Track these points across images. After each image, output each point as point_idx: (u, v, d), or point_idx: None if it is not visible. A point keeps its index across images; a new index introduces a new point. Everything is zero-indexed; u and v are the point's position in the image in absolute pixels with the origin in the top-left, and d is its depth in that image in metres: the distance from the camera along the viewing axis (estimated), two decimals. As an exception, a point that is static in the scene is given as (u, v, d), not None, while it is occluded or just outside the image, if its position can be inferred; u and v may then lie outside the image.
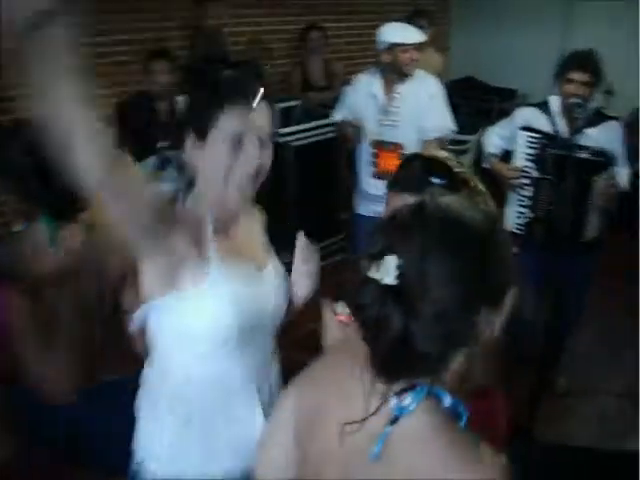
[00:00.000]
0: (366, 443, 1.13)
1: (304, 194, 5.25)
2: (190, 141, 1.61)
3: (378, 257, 1.07)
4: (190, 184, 1.67)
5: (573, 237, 3.52)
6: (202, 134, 1.58)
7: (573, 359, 4.22)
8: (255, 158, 1.60)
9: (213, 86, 1.59)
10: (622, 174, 3.65)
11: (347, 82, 5.02)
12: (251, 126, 1.59)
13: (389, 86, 4.14)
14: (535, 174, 3.61)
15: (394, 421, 1.12)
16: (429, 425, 1.12)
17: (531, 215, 3.67)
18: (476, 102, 7.07)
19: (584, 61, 3.54)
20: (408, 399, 1.12)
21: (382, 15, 7.40)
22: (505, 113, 4.24)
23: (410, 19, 5.93)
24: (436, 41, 6.26)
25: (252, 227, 1.89)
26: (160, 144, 3.77)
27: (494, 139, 3.91)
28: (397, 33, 4.00)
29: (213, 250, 1.64)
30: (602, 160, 3.47)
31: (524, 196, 3.71)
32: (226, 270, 1.64)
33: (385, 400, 1.13)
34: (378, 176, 4.13)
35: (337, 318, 1.76)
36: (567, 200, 3.45)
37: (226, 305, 1.62)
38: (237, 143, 1.58)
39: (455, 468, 1.08)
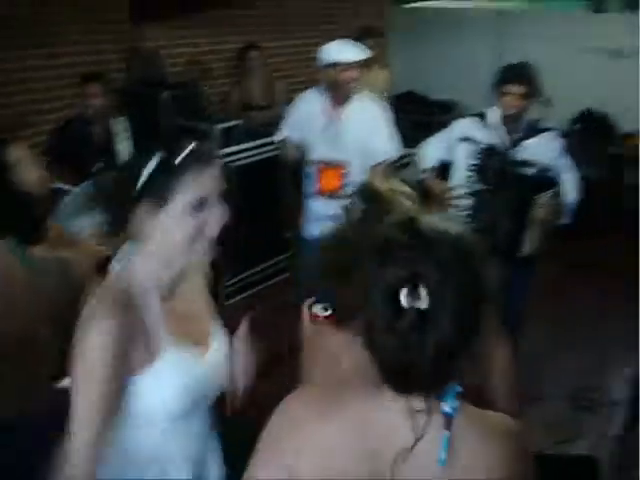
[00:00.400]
0: (422, 460, 1.19)
1: (248, 214, 5.19)
2: (144, 209, 1.55)
3: (404, 285, 1.14)
4: (117, 218, 1.62)
5: (511, 250, 3.53)
6: (160, 202, 1.54)
7: (518, 366, 4.22)
8: (219, 221, 1.59)
9: (171, 153, 1.55)
10: (569, 184, 3.68)
11: (288, 101, 5.02)
12: (211, 188, 1.56)
13: (333, 105, 4.11)
14: (476, 185, 3.61)
15: (449, 424, 1.19)
16: (468, 421, 1.23)
17: (470, 226, 3.66)
18: (416, 116, 7.11)
19: (519, 74, 3.58)
20: (447, 403, 1.20)
21: (323, 32, 7.44)
22: (445, 126, 4.26)
23: (359, 37, 5.96)
24: (382, 58, 6.28)
25: (197, 285, 1.83)
26: (95, 168, 3.69)
27: (431, 152, 3.91)
28: (338, 51, 3.96)
29: (162, 331, 1.60)
30: (547, 178, 3.50)
31: (464, 207, 3.70)
32: (172, 354, 1.60)
33: (430, 411, 1.20)
34: (321, 195, 4.11)
35: (314, 316, 1.74)
36: (506, 212, 3.47)
37: (169, 388, 1.60)
38: (199, 208, 1.55)
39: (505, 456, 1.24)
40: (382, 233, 1.22)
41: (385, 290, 1.15)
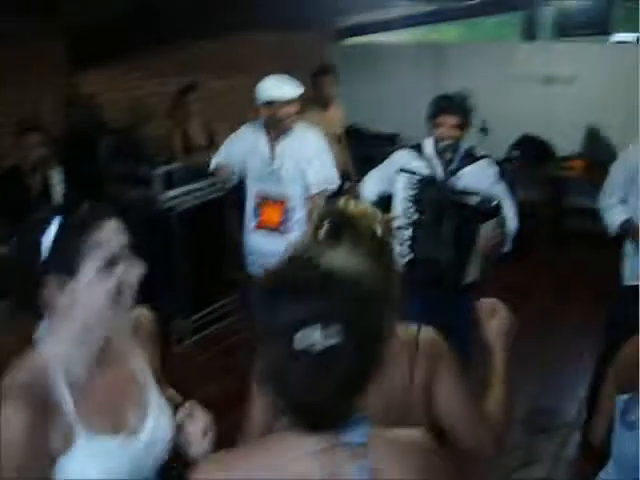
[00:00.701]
0: None
1: (193, 257, 5.17)
2: (53, 282, 1.46)
3: (299, 327, 1.12)
4: (23, 296, 1.54)
5: (453, 279, 3.55)
6: (68, 272, 1.46)
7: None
8: (135, 276, 1.52)
9: (70, 217, 1.48)
10: (508, 211, 3.72)
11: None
12: (118, 244, 1.50)
13: (272, 139, 4.14)
14: (414, 216, 3.62)
15: (362, 454, 1.19)
16: (381, 445, 1.23)
17: (411, 256, 3.68)
18: (359, 149, 7.16)
19: (453, 104, 3.63)
20: (357, 433, 1.20)
21: (263, 70, 7.48)
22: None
23: (316, 75, 6.02)
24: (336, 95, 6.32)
25: (130, 347, 1.72)
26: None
27: (371, 184, 3.93)
28: (274, 88, 4.00)
29: (77, 416, 1.50)
30: (489, 207, 3.53)
31: (404, 237, 3.71)
32: (89, 440, 1.51)
33: (342, 445, 1.19)
34: (262, 230, 4.11)
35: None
36: (447, 242, 3.49)
37: (91, 473, 1.51)
38: (110, 267, 1.48)
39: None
40: (280, 273, 1.20)
41: (280, 332, 1.13)
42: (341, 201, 1.83)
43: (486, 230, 3.53)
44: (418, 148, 3.77)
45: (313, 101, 5.96)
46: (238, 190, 4.53)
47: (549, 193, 7.35)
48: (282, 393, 1.18)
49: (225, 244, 5.45)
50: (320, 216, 1.79)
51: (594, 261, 5.50)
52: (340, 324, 1.12)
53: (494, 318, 1.91)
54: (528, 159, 7.40)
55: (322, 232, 1.72)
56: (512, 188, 7.67)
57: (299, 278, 1.16)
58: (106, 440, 1.54)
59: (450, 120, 3.56)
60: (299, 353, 1.12)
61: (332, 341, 1.11)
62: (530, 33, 9.17)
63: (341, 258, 1.21)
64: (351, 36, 9.29)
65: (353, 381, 1.16)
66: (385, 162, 3.91)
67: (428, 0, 7.53)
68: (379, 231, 1.75)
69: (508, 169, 7.54)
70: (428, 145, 3.72)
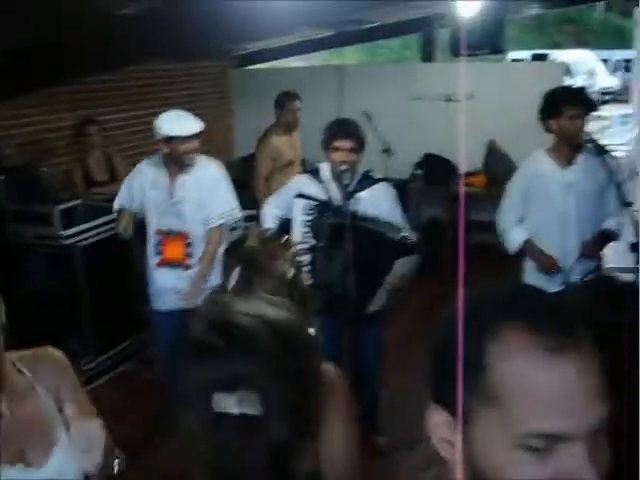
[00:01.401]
0: None
1: (98, 295, 5.03)
2: None
3: (214, 389, 1.02)
4: None
5: (358, 306, 3.55)
6: None
7: (391, 416, 4.25)
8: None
9: None
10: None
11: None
12: None
13: (172, 174, 4.08)
14: (312, 241, 3.62)
15: None
16: None
17: (311, 281, 3.67)
18: (266, 176, 7.15)
19: (347, 128, 3.66)
20: None
21: (164, 100, 7.41)
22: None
23: (282, 100, 5.96)
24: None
25: (35, 391, 1.71)
26: None
27: (271, 211, 3.92)
28: (172, 125, 3.93)
29: None
30: (408, 244, 3.56)
31: (304, 262, 3.71)
32: None
33: None
34: (165, 265, 4.04)
35: None
36: (345, 267, 3.49)
37: None
38: None
39: None
40: (193, 331, 1.11)
41: (196, 396, 1.04)
42: (248, 242, 1.80)
43: (401, 266, 3.54)
44: (315, 173, 3.78)
45: (277, 125, 5.92)
46: (142, 224, 4.45)
47: (454, 210, 7.49)
48: (202, 462, 1.06)
49: (132, 280, 5.33)
50: (228, 263, 1.75)
51: (499, 275, 5.62)
52: (256, 391, 1.02)
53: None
54: (432, 177, 7.54)
55: (232, 281, 1.68)
56: (417, 207, 7.84)
57: (209, 338, 1.06)
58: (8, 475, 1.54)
59: (345, 144, 3.59)
60: (220, 416, 1.01)
61: (249, 409, 1.01)
62: (429, 54, 9.41)
63: (254, 309, 1.11)
64: (253, 62, 9.32)
65: (282, 443, 1.04)
66: (283, 188, 3.91)
67: (328, 25, 7.60)
68: (290, 271, 1.71)
69: (413, 188, 7.70)
70: (324, 170, 3.74)
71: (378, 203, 3.67)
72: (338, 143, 3.60)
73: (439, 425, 0.93)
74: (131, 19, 4.90)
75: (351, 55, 25.13)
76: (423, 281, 6.28)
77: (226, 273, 1.73)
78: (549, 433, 0.81)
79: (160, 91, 7.48)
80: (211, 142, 8.48)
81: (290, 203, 3.74)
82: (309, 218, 3.61)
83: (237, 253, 1.83)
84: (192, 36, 6.22)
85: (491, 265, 6.35)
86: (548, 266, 3.94)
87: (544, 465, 0.82)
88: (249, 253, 1.77)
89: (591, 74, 25.62)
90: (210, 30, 6.34)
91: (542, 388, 0.82)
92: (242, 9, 4.26)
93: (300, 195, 3.69)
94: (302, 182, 3.81)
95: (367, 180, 3.74)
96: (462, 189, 7.42)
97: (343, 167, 3.57)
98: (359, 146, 3.64)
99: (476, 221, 7.62)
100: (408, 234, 3.69)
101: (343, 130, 3.65)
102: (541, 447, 0.81)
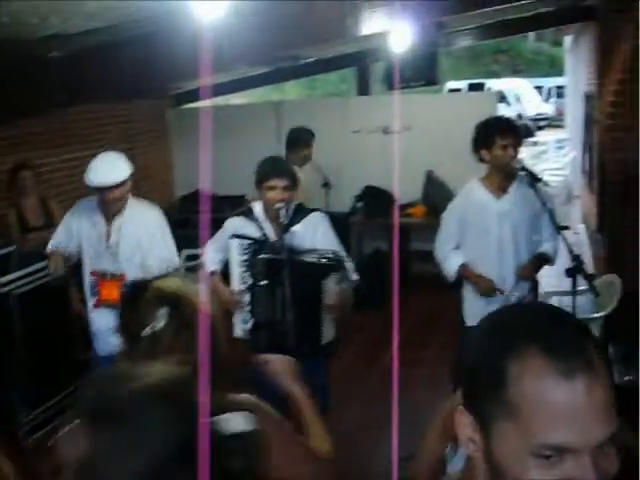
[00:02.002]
0: None
1: (35, 344, 4.89)
2: None
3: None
4: None
5: (304, 341, 3.53)
6: None
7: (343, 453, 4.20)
8: None
9: None
10: (347, 263, 3.75)
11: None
12: None
13: (108, 217, 4.05)
14: (250, 280, 3.59)
15: None
16: None
17: (253, 321, 3.64)
18: (207, 214, 7.12)
19: (279, 167, 3.67)
20: None
21: (102, 141, 7.33)
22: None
23: (298, 137, 5.93)
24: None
25: None
26: None
27: (210, 254, 3.89)
28: (96, 174, 3.89)
29: None
30: (329, 263, 3.54)
31: (245, 302, 3.67)
32: None
33: None
34: (102, 306, 3.98)
35: None
36: (286, 303, 3.47)
37: None
38: None
39: None
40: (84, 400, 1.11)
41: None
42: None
43: (329, 286, 3.53)
44: (248, 213, 3.77)
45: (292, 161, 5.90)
46: (78, 268, 4.37)
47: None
48: None
49: (70, 326, 5.22)
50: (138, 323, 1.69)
51: (442, 304, 5.67)
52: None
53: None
54: (372, 209, 7.60)
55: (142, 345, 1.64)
56: (359, 239, 7.88)
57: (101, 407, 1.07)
58: None
59: (280, 183, 3.59)
60: None
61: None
62: (365, 87, 9.54)
63: (143, 375, 1.11)
64: (192, 100, 9.30)
65: None
66: (220, 231, 3.88)
67: (266, 62, 7.65)
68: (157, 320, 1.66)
69: (354, 221, 7.75)
70: (257, 208, 3.74)
71: (313, 234, 3.67)
72: (273, 182, 3.59)
73: (465, 425, 1.04)
74: (61, 61, 4.87)
75: (290, 90, 25.37)
76: (368, 313, 6.32)
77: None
78: (558, 445, 0.93)
79: (98, 132, 7.41)
80: (151, 181, 8.44)
81: (226, 245, 3.72)
82: (245, 257, 3.59)
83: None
84: (128, 75, 6.20)
85: (433, 294, 6.43)
86: (486, 289, 4.00)
87: (553, 472, 0.95)
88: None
89: (526, 101, 26.28)
90: (146, 69, 6.33)
91: (554, 407, 0.94)
92: (178, 47, 4.26)
93: (235, 236, 3.66)
94: (236, 223, 3.80)
95: (300, 213, 3.74)
96: (397, 220, 7.49)
97: (278, 206, 3.56)
98: (293, 184, 3.65)
99: (417, 251, 7.75)
100: (340, 257, 3.66)
101: (276, 169, 3.66)
102: (551, 456, 0.94)
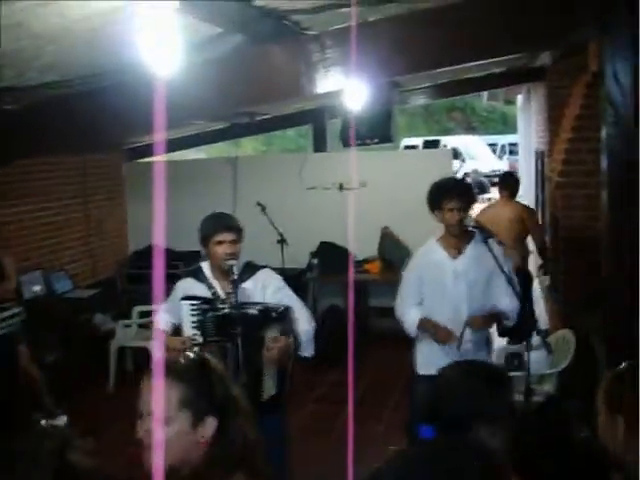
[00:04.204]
0: None
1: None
2: None
3: None
4: None
5: (254, 396, 3.43)
6: None
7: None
8: None
9: None
10: (300, 314, 3.70)
11: (22, 270, 4.69)
12: None
13: None
14: (201, 340, 3.51)
15: None
16: None
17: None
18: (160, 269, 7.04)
19: (226, 222, 3.63)
20: None
21: (57, 196, 7.24)
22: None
23: None
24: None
25: None
26: None
27: (163, 317, 3.80)
28: None
29: None
30: (270, 315, 3.49)
31: None
32: None
33: None
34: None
35: None
36: (239, 360, 3.40)
37: None
38: None
39: None
40: None
41: None
42: None
43: (269, 338, 3.47)
44: (197, 273, 3.71)
45: None
46: (28, 323, 4.27)
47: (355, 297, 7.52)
48: None
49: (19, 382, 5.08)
50: None
51: (400, 359, 5.63)
52: None
53: None
54: (328, 266, 7.59)
55: None
56: (315, 296, 7.84)
57: None
58: None
59: (228, 237, 3.55)
60: None
61: None
62: (321, 144, 9.62)
63: None
64: (148, 155, 9.27)
65: None
66: (172, 293, 3.79)
67: (222, 118, 7.69)
68: None
69: (310, 277, 7.72)
70: (205, 267, 3.69)
71: (262, 291, 3.63)
72: (220, 237, 3.55)
73: None
74: (15, 113, 4.82)
75: (247, 145, 25.52)
76: (324, 370, 6.26)
77: None
78: None
79: (52, 185, 7.32)
80: (105, 236, 8.35)
81: (177, 307, 3.64)
82: (194, 319, 3.51)
83: None
84: (82, 129, 6.16)
85: (391, 350, 6.40)
86: (443, 337, 4.02)
87: None
88: None
89: (480, 158, 26.80)
90: (101, 123, 6.30)
91: None
92: (133, 102, 4.24)
93: (185, 298, 3.59)
94: (186, 285, 3.72)
95: (249, 269, 3.69)
96: (352, 275, 7.48)
97: (229, 261, 3.53)
98: (239, 237, 3.62)
99: (375, 307, 7.74)
100: (284, 307, 3.61)
101: (223, 224, 3.62)
102: None
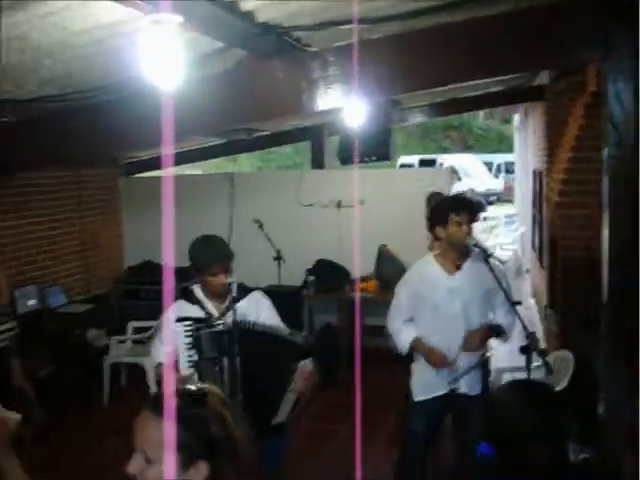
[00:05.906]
0: None
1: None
2: None
3: None
4: None
5: (259, 418, 3.38)
6: None
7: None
8: None
9: None
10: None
11: (17, 284, 4.65)
12: None
13: None
14: (196, 357, 3.46)
15: None
16: None
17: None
18: (157, 285, 7.00)
19: (220, 251, 3.56)
20: None
21: (51, 210, 7.20)
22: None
23: None
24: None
25: None
26: None
27: (158, 346, 3.73)
28: None
29: None
30: (307, 346, 3.48)
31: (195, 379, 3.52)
32: None
33: None
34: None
35: None
36: (237, 379, 3.35)
37: None
38: None
39: None
40: None
41: None
42: None
43: (303, 369, 3.44)
44: (189, 295, 3.66)
45: None
46: (21, 337, 4.22)
47: (347, 315, 7.48)
48: None
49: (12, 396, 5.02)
50: None
51: (394, 379, 5.60)
52: None
53: None
54: (324, 283, 7.55)
55: None
56: (311, 313, 7.80)
57: None
58: None
59: (222, 268, 3.50)
60: None
61: None
62: (319, 161, 9.61)
63: None
64: (144, 170, 9.26)
65: None
66: (164, 320, 3.71)
67: (219, 134, 7.67)
68: None
69: (306, 295, 7.68)
70: (198, 290, 3.64)
71: (256, 313, 3.59)
72: (216, 269, 3.49)
73: None
74: (12, 127, 4.80)
75: (244, 161, 25.52)
76: (318, 388, 6.20)
77: None
78: None
79: (48, 199, 7.28)
80: (101, 251, 8.30)
81: (172, 331, 3.58)
82: (188, 341, 3.44)
83: None
84: (80, 143, 6.14)
85: (385, 369, 6.36)
86: (437, 362, 3.98)
87: None
88: None
89: (476, 176, 26.85)
90: (98, 137, 6.29)
91: None
92: (131, 117, 4.23)
93: (179, 319, 3.52)
94: (180, 307, 3.64)
95: (242, 290, 3.64)
96: (358, 294, 7.44)
97: (220, 289, 3.50)
98: (232, 261, 3.57)
99: (370, 326, 7.67)
100: (301, 337, 3.60)
101: (216, 256, 3.51)
102: None
